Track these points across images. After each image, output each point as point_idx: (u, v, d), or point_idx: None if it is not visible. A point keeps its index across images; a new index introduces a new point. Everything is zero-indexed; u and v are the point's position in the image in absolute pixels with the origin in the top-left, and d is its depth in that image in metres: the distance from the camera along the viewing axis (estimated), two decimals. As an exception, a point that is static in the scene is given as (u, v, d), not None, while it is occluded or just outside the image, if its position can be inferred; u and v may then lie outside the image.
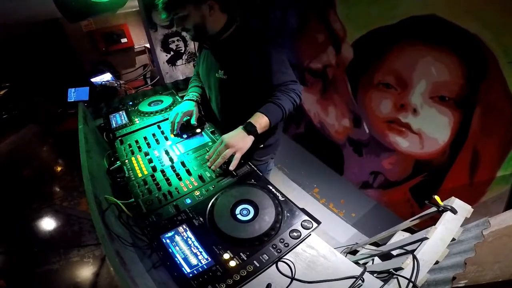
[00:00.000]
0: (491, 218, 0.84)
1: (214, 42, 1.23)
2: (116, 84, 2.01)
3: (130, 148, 1.23)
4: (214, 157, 1.05)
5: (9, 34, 3.39)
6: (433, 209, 0.90)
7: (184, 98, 1.42)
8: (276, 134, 1.43)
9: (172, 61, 2.54)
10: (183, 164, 1.11)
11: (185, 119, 1.33)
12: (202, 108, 1.45)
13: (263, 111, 1.08)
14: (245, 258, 0.73)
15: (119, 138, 1.30)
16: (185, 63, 2.62)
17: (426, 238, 0.80)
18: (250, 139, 1.05)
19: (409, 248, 0.85)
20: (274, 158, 1.54)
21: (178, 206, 0.91)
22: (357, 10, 1.62)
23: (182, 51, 2.56)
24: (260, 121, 1.06)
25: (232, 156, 1.02)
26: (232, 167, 1.01)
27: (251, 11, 1.99)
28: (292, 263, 0.74)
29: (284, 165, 2.71)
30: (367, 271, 0.72)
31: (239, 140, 1.03)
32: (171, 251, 0.77)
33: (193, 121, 1.31)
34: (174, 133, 1.30)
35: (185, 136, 1.29)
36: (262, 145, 1.37)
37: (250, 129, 1.04)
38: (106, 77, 2.14)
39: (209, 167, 1.06)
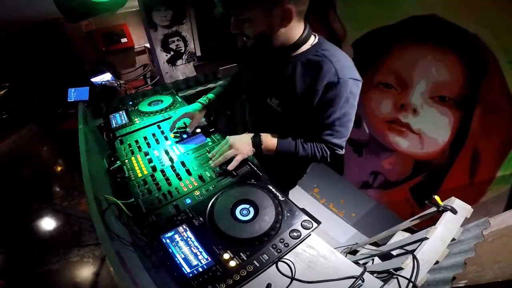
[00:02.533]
0: (491, 218, 0.84)
1: (277, 59, 0.95)
2: (116, 84, 2.01)
3: (130, 148, 1.23)
4: (216, 156, 1.05)
5: (9, 34, 3.39)
6: (433, 209, 0.90)
7: (200, 100, 1.30)
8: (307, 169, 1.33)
9: (172, 61, 2.54)
10: (183, 164, 1.11)
11: (185, 120, 1.30)
12: (213, 112, 1.38)
13: (280, 142, 1.00)
14: (245, 258, 0.73)
15: (119, 138, 1.30)
16: (185, 63, 2.62)
17: (426, 238, 0.80)
18: (252, 150, 1.03)
19: (409, 248, 0.85)
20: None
21: (178, 206, 0.91)
22: (357, 10, 1.62)
23: (182, 51, 2.56)
24: (269, 143, 1.01)
25: (233, 157, 1.02)
26: (230, 167, 1.01)
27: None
28: (292, 263, 0.74)
29: (284, 165, 2.71)
30: (367, 271, 0.72)
31: (244, 145, 1.02)
32: (171, 251, 0.76)
33: (188, 129, 1.25)
34: (173, 131, 1.26)
35: (185, 136, 1.29)
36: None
37: (256, 142, 1.02)
38: (106, 77, 2.13)
39: (211, 164, 1.07)
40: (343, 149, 0.99)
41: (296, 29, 0.88)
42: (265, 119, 1.10)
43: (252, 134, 1.04)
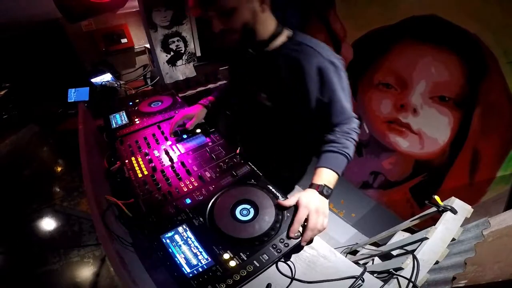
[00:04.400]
0: (491, 218, 0.84)
1: (259, 53, 0.95)
2: (116, 85, 2.01)
3: (130, 149, 1.23)
4: (310, 233, 0.78)
5: (9, 34, 3.39)
6: (433, 209, 0.90)
7: (200, 102, 1.31)
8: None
9: (172, 62, 2.54)
10: (183, 164, 1.11)
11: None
12: (211, 117, 1.31)
13: (335, 168, 0.90)
14: (245, 258, 0.73)
15: (119, 138, 1.30)
16: (185, 64, 2.62)
17: (426, 238, 0.80)
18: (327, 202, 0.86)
19: (409, 248, 0.85)
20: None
21: (178, 206, 0.91)
22: (357, 10, 1.62)
23: (182, 51, 2.56)
24: (334, 181, 0.89)
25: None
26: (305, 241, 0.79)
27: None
28: (292, 263, 0.74)
29: (284, 165, 2.71)
30: (367, 271, 0.72)
31: (325, 206, 0.84)
32: (171, 251, 0.76)
33: (188, 126, 1.21)
34: (171, 132, 1.25)
35: (185, 136, 1.29)
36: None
37: (327, 194, 0.86)
38: (106, 77, 2.13)
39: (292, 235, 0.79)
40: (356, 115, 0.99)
41: (270, 20, 0.91)
42: (255, 116, 1.09)
43: (315, 191, 0.85)
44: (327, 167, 0.89)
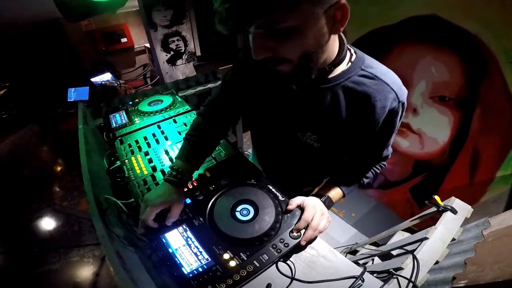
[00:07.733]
0: (491, 218, 0.84)
1: (310, 87, 0.72)
2: (116, 84, 2.01)
3: (130, 148, 1.23)
4: (311, 232, 0.77)
5: (9, 34, 3.40)
6: (433, 209, 0.90)
7: (166, 176, 0.87)
8: None
9: (172, 61, 2.54)
10: (183, 164, 1.10)
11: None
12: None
13: (345, 190, 0.92)
14: (245, 258, 0.73)
15: (119, 138, 1.30)
16: (185, 63, 2.62)
17: (426, 238, 0.81)
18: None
19: (409, 248, 0.85)
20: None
21: (178, 206, 0.90)
22: (357, 10, 1.62)
23: (182, 51, 2.56)
24: (337, 199, 0.92)
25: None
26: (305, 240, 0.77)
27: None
28: (292, 263, 0.74)
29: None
30: (367, 271, 0.72)
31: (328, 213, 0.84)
32: (171, 251, 0.76)
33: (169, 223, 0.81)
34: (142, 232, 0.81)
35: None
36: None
37: (328, 205, 0.88)
38: (106, 77, 2.14)
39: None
40: None
41: (336, 42, 0.66)
42: (293, 157, 0.91)
43: (318, 199, 0.86)
44: (339, 187, 0.92)
